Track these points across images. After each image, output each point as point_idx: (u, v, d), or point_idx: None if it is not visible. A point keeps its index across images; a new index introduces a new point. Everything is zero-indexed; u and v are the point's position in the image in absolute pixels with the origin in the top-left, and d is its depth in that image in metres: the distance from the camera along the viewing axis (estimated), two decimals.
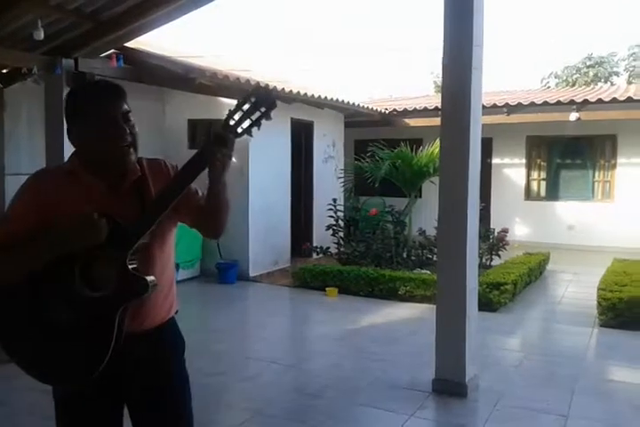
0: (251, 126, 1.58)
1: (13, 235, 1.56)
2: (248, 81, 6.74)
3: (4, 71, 6.18)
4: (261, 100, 1.57)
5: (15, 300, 1.61)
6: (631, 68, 21.75)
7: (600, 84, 17.03)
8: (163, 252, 1.71)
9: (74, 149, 1.67)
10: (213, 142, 1.56)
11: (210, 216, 1.69)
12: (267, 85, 1.63)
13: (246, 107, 1.57)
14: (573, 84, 18.76)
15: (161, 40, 7.44)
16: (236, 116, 1.57)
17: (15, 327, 1.63)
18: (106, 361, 1.52)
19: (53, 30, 5.10)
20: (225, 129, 1.57)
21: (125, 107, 1.60)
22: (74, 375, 1.60)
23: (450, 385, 3.73)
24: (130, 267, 1.54)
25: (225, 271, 7.24)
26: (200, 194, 1.72)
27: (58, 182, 1.62)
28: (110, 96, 1.59)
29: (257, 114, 1.57)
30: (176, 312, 1.83)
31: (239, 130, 1.58)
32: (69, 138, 1.64)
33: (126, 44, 5.92)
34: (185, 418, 1.80)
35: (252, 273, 7.51)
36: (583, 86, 14.83)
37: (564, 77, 22.44)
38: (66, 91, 5.49)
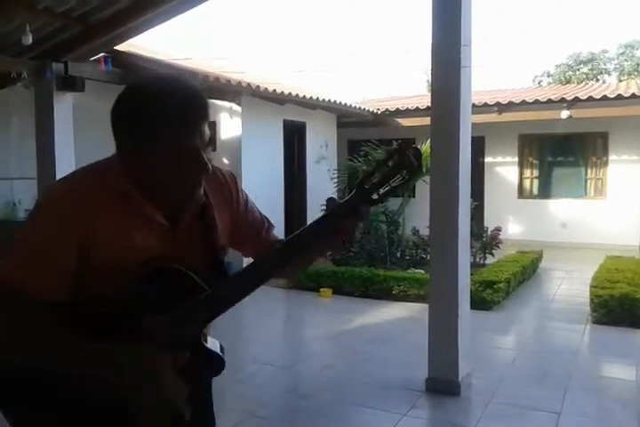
0: (388, 193, 1.23)
1: (52, 279, 1.12)
2: (240, 83, 6.75)
3: None
4: (403, 160, 1.22)
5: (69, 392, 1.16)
6: (620, 67, 21.90)
7: (591, 82, 17.11)
8: None
9: (103, 158, 1.24)
10: (349, 210, 1.23)
11: (289, 271, 1.44)
12: (414, 146, 1.23)
13: (385, 169, 1.23)
14: (567, 83, 18.84)
15: (151, 43, 7.44)
16: (374, 179, 1.23)
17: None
18: None
19: (42, 34, 5.10)
20: (359, 196, 1.23)
21: (207, 129, 1.18)
22: None
23: (443, 384, 3.74)
24: (205, 345, 1.26)
25: None
26: (266, 225, 1.43)
27: (104, 208, 1.16)
28: (195, 118, 1.14)
29: (397, 178, 1.22)
30: None
31: (375, 197, 1.24)
32: (121, 154, 1.18)
33: (116, 47, 5.91)
34: None
35: None
36: (575, 84, 14.89)
37: (557, 76, 22.56)
38: (56, 95, 5.56)
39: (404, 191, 1.31)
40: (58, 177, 6.03)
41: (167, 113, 1.11)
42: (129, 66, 6.30)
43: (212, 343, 1.30)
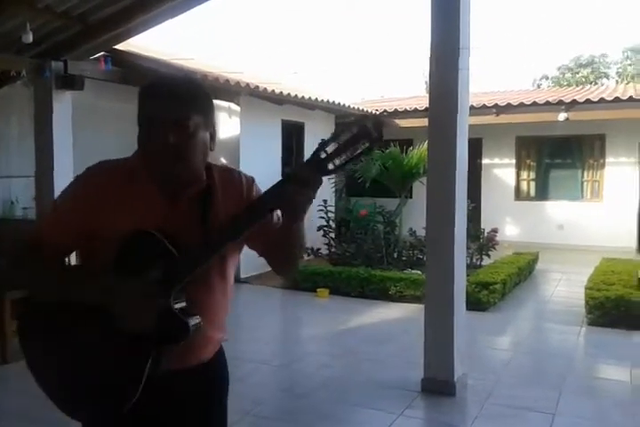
0: (345, 164, 1.26)
1: (63, 236, 1.42)
2: (238, 83, 6.77)
3: None
4: (364, 131, 1.23)
5: (48, 320, 1.45)
6: (624, 71, 21.96)
7: (589, 85, 17.17)
8: (223, 281, 1.54)
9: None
10: (294, 180, 1.28)
11: (279, 256, 1.51)
12: (375, 115, 1.21)
13: (344, 138, 1.24)
14: (567, 85, 18.92)
15: (151, 42, 7.45)
16: (330, 150, 1.25)
17: (46, 349, 1.47)
18: (135, 398, 1.37)
19: (42, 33, 5.10)
20: (312, 164, 1.27)
21: (183, 113, 1.36)
22: (99, 410, 1.45)
23: (438, 384, 3.77)
24: (174, 307, 1.34)
25: None
26: (277, 220, 1.46)
27: (112, 179, 1.43)
28: (163, 96, 1.36)
29: (356, 149, 1.24)
30: (225, 340, 1.68)
31: (330, 166, 1.26)
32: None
33: (115, 47, 5.92)
34: None
35: (242, 275, 7.51)
36: (573, 87, 14.94)
37: (557, 79, 22.63)
38: (55, 94, 5.57)
39: (358, 163, 1.30)
40: (56, 175, 6.03)
41: (142, 100, 1.38)
42: (129, 65, 6.30)
43: (188, 317, 1.36)
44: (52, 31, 5.19)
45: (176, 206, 1.43)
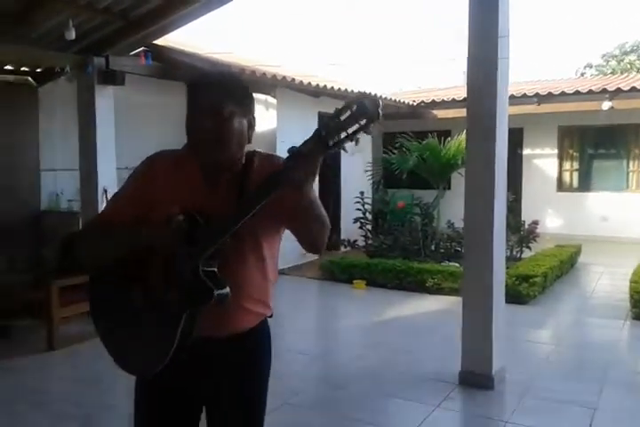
0: (344, 140, 1.33)
1: (120, 214, 1.63)
2: (275, 76, 6.80)
3: (38, 71, 6.36)
4: (363, 109, 1.31)
5: (106, 285, 1.68)
6: None
7: (634, 72, 16.59)
8: (257, 253, 1.64)
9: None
10: (298, 157, 1.37)
11: (303, 231, 1.58)
12: (374, 95, 1.38)
13: (344, 117, 1.32)
14: (611, 73, 18.33)
15: (189, 37, 7.53)
16: (331, 127, 1.34)
17: (104, 311, 1.69)
18: (168, 359, 1.51)
19: (84, 29, 5.22)
20: (314, 141, 1.36)
21: (217, 99, 1.52)
22: (140, 366, 1.63)
23: (476, 377, 3.74)
24: (202, 271, 1.48)
25: None
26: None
27: (166, 167, 1.65)
28: (202, 88, 1.55)
29: (355, 126, 1.32)
30: (270, 316, 1.80)
31: (330, 143, 1.34)
32: None
33: (155, 42, 6.01)
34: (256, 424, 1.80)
35: (280, 266, 7.55)
36: (617, 75, 14.47)
37: (601, 67, 21.94)
38: (97, 89, 5.71)
39: (358, 139, 1.30)
40: (99, 168, 6.21)
41: (188, 92, 1.58)
42: (168, 60, 6.40)
43: (216, 283, 1.49)
44: (93, 27, 5.31)
45: (215, 190, 1.59)
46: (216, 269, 1.50)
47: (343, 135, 1.33)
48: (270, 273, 1.72)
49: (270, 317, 1.79)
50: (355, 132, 1.32)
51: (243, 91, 1.60)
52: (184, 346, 1.52)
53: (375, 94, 8.22)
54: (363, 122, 1.31)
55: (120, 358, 1.66)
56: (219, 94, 1.54)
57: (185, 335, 1.51)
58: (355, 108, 1.32)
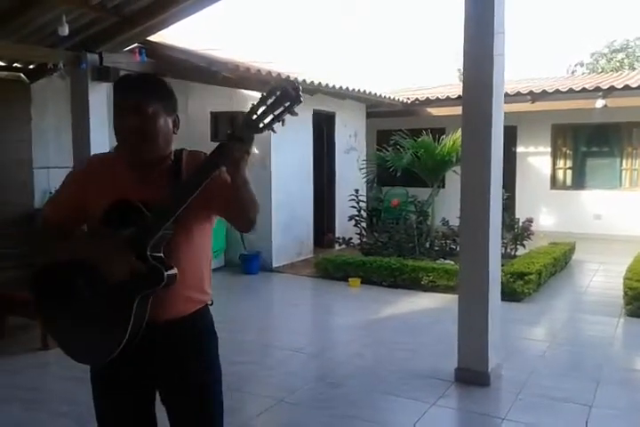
0: (272, 122, 1.52)
1: (57, 216, 1.77)
2: (269, 73, 6.77)
3: (31, 67, 6.30)
4: (286, 94, 1.49)
5: (60, 279, 1.75)
6: None
7: (626, 70, 16.64)
8: (190, 243, 1.73)
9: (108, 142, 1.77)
10: (232, 138, 1.53)
11: (236, 211, 1.68)
12: (294, 79, 1.57)
13: (270, 101, 1.50)
14: (601, 71, 18.36)
15: (182, 33, 7.49)
16: (259, 111, 1.51)
17: (57, 304, 1.76)
18: (122, 345, 1.58)
19: (77, 25, 5.17)
20: (245, 124, 1.53)
21: (140, 100, 1.63)
22: (94, 355, 1.69)
23: (472, 374, 3.74)
24: (150, 256, 1.58)
25: (248, 262, 7.32)
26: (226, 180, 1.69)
27: (96, 168, 1.78)
28: (125, 89, 1.67)
29: (280, 109, 1.50)
30: (211, 304, 1.87)
31: (260, 125, 1.52)
32: None
33: (149, 38, 5.97)
34: (212, 405, 1.84)
35: (275, 264, 7.57)
36: (610, 73, 14.51)
37: (591, 65, 22.00)
38: (91, 85, 5.67)
39: (284, 120, 1.43)
40: None
41: (113, 95, 1.69)
42: (162, 56, 6.36)
43: (164, 266, 1.60)
44: (87, 23, 5.26)
45: (147, 186, 1.68)
46: (162, 255, 1.61)
47: (271, 117, 1.50)
48: (204, 260, 1.82)
49: (211, 304, 1.87)
50: (280, 114, 1.50)
51: (166, 90, 1.71)
52: (138, 331, 1.61)
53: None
54: (287, 104, 1.49)
55: (72, 347, 1.72)
56: (142, 94, 1.65)
57: (138, 320, 1.59)
58: (279, 93, 1.49)
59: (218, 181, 1.59)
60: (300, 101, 1.50)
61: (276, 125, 1.53)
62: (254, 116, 1.51)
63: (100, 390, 1.81)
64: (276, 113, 1.50)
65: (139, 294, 1.58)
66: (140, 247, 1.57)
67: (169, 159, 1.73)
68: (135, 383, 1.77)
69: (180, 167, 1.72)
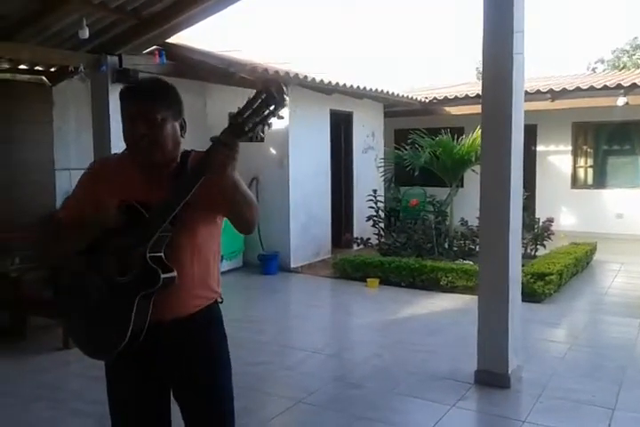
0: (257, 125, 1.50)
1: (70, 215, 1.81)
2: (287, 73, 6.78)
3: (52, 70, 6.39)
4: (271, 97, 1.47)
5: (72, 277, 1.82)
6: None
7: None
8: (193, 243, 1.76)
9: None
10: (217, 143, 1.52)
11: (233, 213, 1.71)
12: (279, 83, 1.57)
13: (256, 105, 1.49)
14: (622, 68, 18.09)
15: (200, 35, 7.53)
16: (245, 115, 1.50)
17: (69, 301, 1.83)
18: (125, 344, 1.62)
19: (97, 28, 5.23)
20: (230, 129, 1.52)
21: (148, 108, 1.66)
22: (100, 351, 1.75)
23: (492, 376, 3.71)
24: (149, 257, 1.61)
25: (267, 262, 7.33)
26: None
27: (107, 170, 1.83)
28: (133, 97, 1.71)
29: (265, 112, 1.49)
30: (221, 302, 1.90)
31: (246, 129, 1.50)
32: None
33: (168, 40, 6.02)
34: (221, 402, 1.86)
35: (293, 264, 7.58)
36: (632, 69, 14.27)
37: (612, 62, 21.68)
38: (111, 87, 5.73)
39: (270, 124, 1.41)
40: None
41: (121, 102, 1.73)
42: (181, 58, 6.40)
43: (162, 267, 1.62)
44: (106, 26, 5.33)
45: (156, 187, 1.71)
46: (162, 255, 1.64)
47: (257, 120, 1.49)
48: (212, 261, 1.84)
49: (221, 302, 1.90)
50: (266, 117, 1.49)
51: (172, 96, 1.75)
52: (141, 330, 1.64)
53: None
54: (272, 107, 1.48)
55: (82, 344, 1.80)
56: (149, 102, 1.68)
57: (139, 319, 1.62)
58: (264, 96, 1.48)
59: (219, 184, 1.60)
60: (285, 105, 1.50)
61: (266, 128, 1.54)
62: (239, 120, 1.50)
63: (113, 383, 1.88)
64: (262, 117, 1.49)
65: (137, 294, 1.62)
66: (141, 248, 1.61)
67: (176, 161, 1.77)
68: (145, 380, 1.81)
69: (185, 169, 1.74)
